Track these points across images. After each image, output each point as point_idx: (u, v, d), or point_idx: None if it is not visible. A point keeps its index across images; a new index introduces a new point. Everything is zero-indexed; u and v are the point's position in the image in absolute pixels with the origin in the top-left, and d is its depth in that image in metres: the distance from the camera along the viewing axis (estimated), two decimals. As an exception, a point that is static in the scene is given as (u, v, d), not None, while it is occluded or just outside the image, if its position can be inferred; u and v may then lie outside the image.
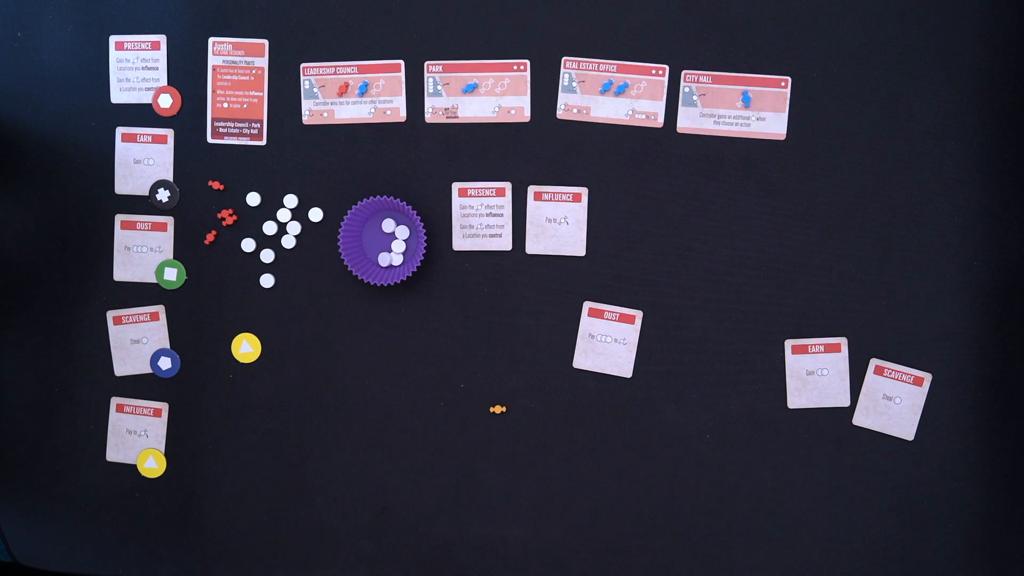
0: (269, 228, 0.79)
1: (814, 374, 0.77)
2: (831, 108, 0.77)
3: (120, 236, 0.80)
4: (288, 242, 0.79)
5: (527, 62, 0.77)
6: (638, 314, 0.78)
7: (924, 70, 0.76)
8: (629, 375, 0.79)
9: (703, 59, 0.77)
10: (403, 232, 0.79)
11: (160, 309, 0.81)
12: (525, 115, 0.78)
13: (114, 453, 0.81)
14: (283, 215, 0.79)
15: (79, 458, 0.82)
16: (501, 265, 0.79)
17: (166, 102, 0.79)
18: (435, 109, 0.78)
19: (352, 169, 0.79)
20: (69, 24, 0.80)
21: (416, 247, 0.78)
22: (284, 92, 0.79)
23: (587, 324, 0.78)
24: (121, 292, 0.81)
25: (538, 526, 0.80)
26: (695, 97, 0.77)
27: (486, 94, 0.78)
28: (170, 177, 0.80)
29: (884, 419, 0.77)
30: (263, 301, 0.80)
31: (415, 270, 0.77)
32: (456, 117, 0.78)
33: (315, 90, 0.79)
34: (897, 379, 0.77)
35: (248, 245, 0.79)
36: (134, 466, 0.81)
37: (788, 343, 0.78)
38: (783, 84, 0.76)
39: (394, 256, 0.79)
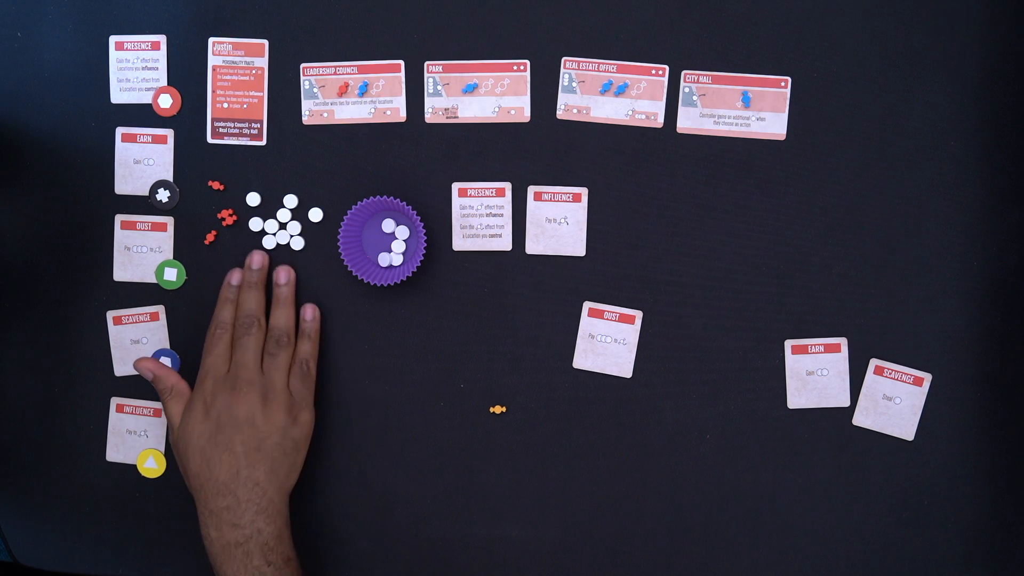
0: (270, 227, 0.79)
1: (814, 374, 0.77)
2: (831, 108, 0.77)
3: (120, 236, 0.80)
4: (287, 241, 0.79)
5: (527, 62, 0.77)
6: (638, 314, 0.78)
7: (924, 70, 0.76)
8: (629, 375, 0.79)
9: (703, 59, 0.77)
10: (403, 232, 0.79)
11: (160, 309, 0.81)
12: (525, 115, 0.78)
13: (114, 453, 0.81)
14: (283, 215, 0.79)
15: (79, 458, 0.82)
16: (501, 265, 0.79)
17: (166, 102, 0.79)
18: (435, 109, 0.78)
19: (352, 169, 0.79)
20: (69, 24, 0.80)
21: (416, 247, 0.78)
22: (284, 92, 0.79)
23: (587, 324, 0.78)
24: (121, 292, 0.81)
25: (538, 526, 0.80)
26: (695, 97, 0.77)
27: (486, 94, 0.78)
28: (170, 177, 0.80)
29: (884, 419, 0.77)
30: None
31: (415, 270, 0.77)
32: (456, 117, 0.78)
33: (315, 90, 0.79)
34: (897, 379, 0.77)
35: (268, 242, 0.79)
36: (134, 466, 0.81)
37: (788, 343, 0.78)
38: (783, 84, 0.76)
39: (394, 256, 0.79)
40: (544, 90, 0.78)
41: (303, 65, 0.79)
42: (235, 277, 0.78)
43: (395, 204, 0.77)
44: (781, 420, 0.78)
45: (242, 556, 0.70)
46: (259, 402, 0.73)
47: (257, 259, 0.78)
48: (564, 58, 0.77)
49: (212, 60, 0.79)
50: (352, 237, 0.78)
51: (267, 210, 0.80)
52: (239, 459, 0.71)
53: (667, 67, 0.77)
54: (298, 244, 0.79)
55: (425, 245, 0.77)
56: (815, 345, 0.77)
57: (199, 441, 0.72)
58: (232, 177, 0.80)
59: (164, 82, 0.79)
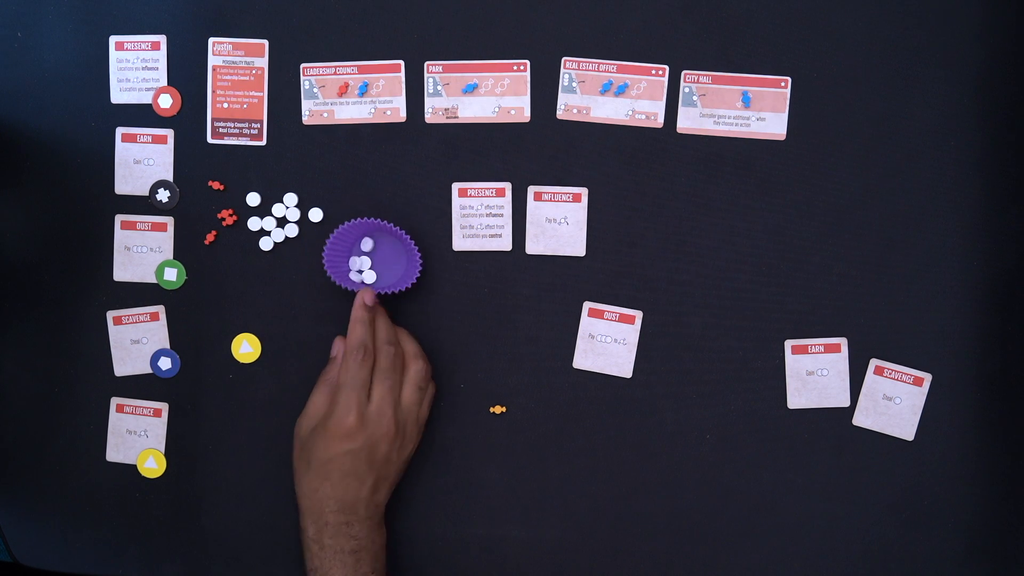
0: (268, 226, 0.79)
1: (814, 374, 0.77)
2: (831, 108, 0.77)
3: (120, 236, 0.80)
4: (283, 239, 0.79)
5: (527, 62, 0.77)
6: (638, 314, 0.78)
7: (924, 70, 0.76)
8: (629, 375, 0.79)
9: (703, 59, 0.77)
10: (368, 244, 0.78)
11: (160, 309, 0.81)
12: (525, 115, 0.78)
13: (114, 453, 0.82)
14: (281, 214, 0.79)
15: (79, 458, 0.82)
16: (501, 265, 0.79)
17: (166, 102, 0.79)
18: (435, 109, 0.78)
19: (352, 169, 0.79)
20: (69, 24, 0.80)
21: (410, 266, 0.77)
22: (284, 92, 0.79)
23: (587, 324, 0.78)
24: (121, 292, 0.81)
25: (538, 526, 0.80)
26: (695, 97, 0.77)
27: (486, 94, 0.78)
28: (170, 177, 0.80)
29: (884, 419, 0.77)
30: (263, 301, 0.80)
31: (408, 287, 0.76)
32: (456, 117, 0.78)
33: (315, 90, 0.79)
34: (897, 379, 0.77)
35: (266, 244, 0.79)
36: (134, 466, 0.81)
37: (788, 343, 0.78)
38: (783, 84, 0.76)
39: (366, 274, 0.78)
40: (544, 90, 0.78)
41: (303, 65, 0.79)
42: (369, 297, 0.75)
43: (383, 226, 0.76)
44: (781, 420, 0.78)
45: (354, 563, 0.72)
46: (399, 441, 0.74)
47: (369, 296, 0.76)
48: (564, 58, 0.77)
49: (212, 60, 0.79)
50: (338, 254, 0.77)
51: (267, 210, 0.80)
52: (366, 488, 0.73)
53: (667, 67, 0.77)
54: (292, 231, 0.79)
55: (420, 267, 0.76)
56: (815, 345, 0.77)
57: (326, 465, 0.73)
58: (232, 177, 0.80)
59: (164, 82, 0.79)
